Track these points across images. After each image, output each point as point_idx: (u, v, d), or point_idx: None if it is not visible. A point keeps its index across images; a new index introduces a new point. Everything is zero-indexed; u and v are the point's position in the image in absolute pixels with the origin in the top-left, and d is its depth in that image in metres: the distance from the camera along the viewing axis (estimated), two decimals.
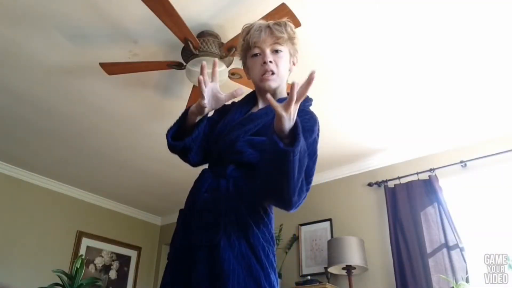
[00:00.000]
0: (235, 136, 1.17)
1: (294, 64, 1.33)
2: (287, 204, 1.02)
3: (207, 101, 1.14)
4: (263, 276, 1.02)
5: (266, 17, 1.90)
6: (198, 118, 1.21)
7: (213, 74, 1.20)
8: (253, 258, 1.03)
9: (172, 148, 1.23)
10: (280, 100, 1.11)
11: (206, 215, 1.09)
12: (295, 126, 0.95)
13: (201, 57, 2.23)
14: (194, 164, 1.30)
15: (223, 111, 1.31)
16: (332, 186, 3.76)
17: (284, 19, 1.29)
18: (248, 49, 1.26)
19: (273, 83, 1.23)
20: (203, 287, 1.00)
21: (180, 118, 1.22)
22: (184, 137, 1.20)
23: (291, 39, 1.27)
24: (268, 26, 1.25)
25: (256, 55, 1.25)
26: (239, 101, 1.36)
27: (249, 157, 1.13)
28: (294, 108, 0.93)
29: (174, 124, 1.23)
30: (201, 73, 1.14)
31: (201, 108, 1.16)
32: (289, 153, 0.92)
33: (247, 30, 1.27)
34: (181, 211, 1.22)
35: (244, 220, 1.07)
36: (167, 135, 1.21)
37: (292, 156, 0.92)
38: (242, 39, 1.29)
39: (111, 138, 3.38)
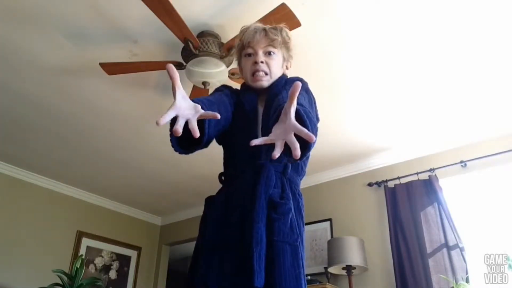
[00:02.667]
0: None
1: (287, 68, 1.37)
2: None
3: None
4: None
5: (266, 17, 1.91)
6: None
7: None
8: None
9: (185, 153, 1.11)
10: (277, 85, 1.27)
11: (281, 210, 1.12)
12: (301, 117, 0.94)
13: (201, 57, 2.24)
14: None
15: (236, 95, 1.32)
16: (332, 186, 3.76)
17: (281, 25, 1.33)
18: (243, 48, 1.31)
19: (265, 83, 1.29)
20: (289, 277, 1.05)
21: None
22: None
23: (285, 43, 1.31)
24: (264, 29, 1.29)
25: (249, 55, 1.30)
26: (244, 91, 1.37)
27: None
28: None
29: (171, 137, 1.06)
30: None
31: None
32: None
33: (244, 31, 1.32)
34: (231, 201, 1.16)
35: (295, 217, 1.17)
36: (173, 145, 1.07)
37: None
38: (239, 39, 1.34)
39: (111, 138, 3.38)
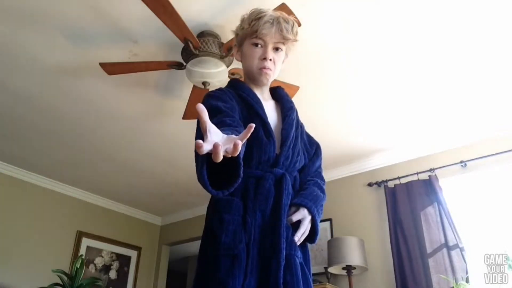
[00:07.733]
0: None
1: (283, 62, 1.38)
2: None
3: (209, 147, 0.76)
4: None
5: None
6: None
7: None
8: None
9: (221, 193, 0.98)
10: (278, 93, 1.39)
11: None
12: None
13: (201, 57, 2.24)
14: None
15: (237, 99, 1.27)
16: (332, 186, 3.75)
17: (292, 17, 1.29)
18: (252, 35, 1.26)
19: (269, 79, 1.31)
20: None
21: (202, 164, 0.90)
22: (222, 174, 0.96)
23: (293, 42, 1.30)
24: (279, 22, 1.23)
25: (257, 45, 1.26)
26: (242, 88, 1.32)
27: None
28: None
29: (202, 174, 0.90)
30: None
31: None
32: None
33: (257, 17, 1.25)
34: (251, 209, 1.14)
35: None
36: (208, 187, 0.92)
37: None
38: (248, 22, 1.27)
39: (111, 138, 3.38)
